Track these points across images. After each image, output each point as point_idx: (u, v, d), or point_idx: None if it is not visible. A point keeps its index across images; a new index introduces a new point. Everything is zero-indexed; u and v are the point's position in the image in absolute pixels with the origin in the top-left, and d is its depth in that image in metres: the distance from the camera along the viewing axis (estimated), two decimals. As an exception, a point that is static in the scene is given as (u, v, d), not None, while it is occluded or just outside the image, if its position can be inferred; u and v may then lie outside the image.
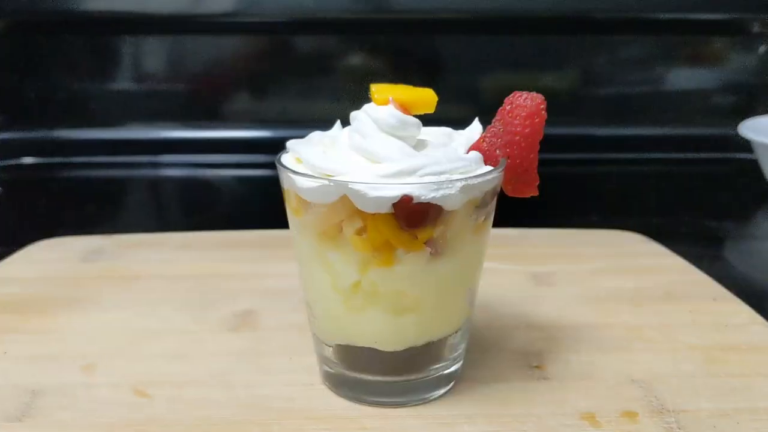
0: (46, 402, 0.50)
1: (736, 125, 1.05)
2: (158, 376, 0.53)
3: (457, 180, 0.44)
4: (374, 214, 0.44)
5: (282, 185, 0.49)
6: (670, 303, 0.66)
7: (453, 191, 0.44)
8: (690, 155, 1.25)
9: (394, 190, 0.43)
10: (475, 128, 0.51)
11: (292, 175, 0.46)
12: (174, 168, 1.25)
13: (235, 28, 1.20)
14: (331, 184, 0.44)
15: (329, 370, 0.51)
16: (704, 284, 0.70)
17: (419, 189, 0.43)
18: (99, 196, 1.16)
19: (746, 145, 1.03)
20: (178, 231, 0.84)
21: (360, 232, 0.44)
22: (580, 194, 1.12)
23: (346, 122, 0.51)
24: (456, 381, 0.52)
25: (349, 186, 0.43)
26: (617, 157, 1.24)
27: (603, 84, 1.25)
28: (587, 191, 1.14)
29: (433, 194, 0.43)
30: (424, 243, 0.45)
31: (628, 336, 0.60)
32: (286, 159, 0.49)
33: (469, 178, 0.45)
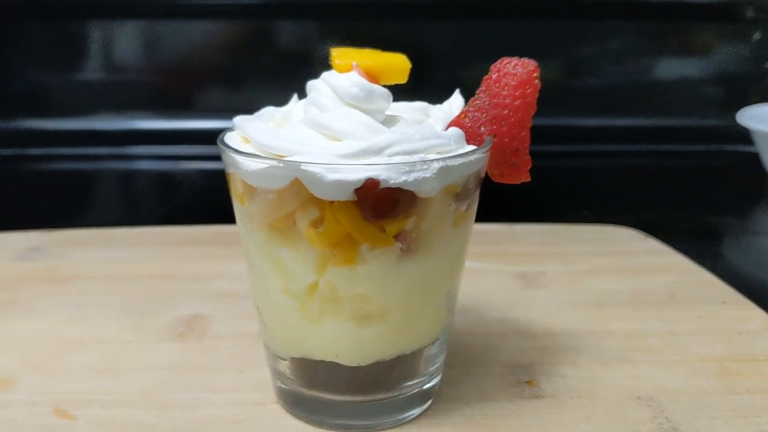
0: (-56, 426, 0.42)
1: (730, 116, 1.00)
2: (84, 394, 0.46)
3: (434, 160, 0.36)
4: (333, 203, 0.36)
5: (225, 169, 0.41)
6: (674, 307, 0.59)
7: (428, 174, 0.36)
8: (684, 147, 1.19)
9: (357, 173, 0.35)
10: (456, 102, 0.43)
11: (234, 156, 0.38)
12: (141, 160, 1.18)
13: (209, 11, 1.13)
14: (281, 165, 0.36)
15: (284, 387, 0.44)
16: (711, 285, 0.63)
17: (387, 171, 0.35)
18: (60, 189, 1.08)
19: (741, 136, 0.97)
20: (125, 225, 0.76)
21: (316, 224, 0.37)
22: (571, 187, 1.05)
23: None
24: (433, 399, 0.45)
25: (302, 167, 0.35)
26: (608, 149, 1.17)
27: (595, 73, 1.19)
28: (578, 184, 1.07)
29: (404, 178, 0.36)
30: (394, 237, 0.37)
31: (630, 346, 0.53)
32: (231, 138, 0.41)
33: (448, 158, 0.37)
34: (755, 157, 0.98)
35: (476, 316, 0.56)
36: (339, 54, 0.40)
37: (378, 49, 0.42)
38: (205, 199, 1.03)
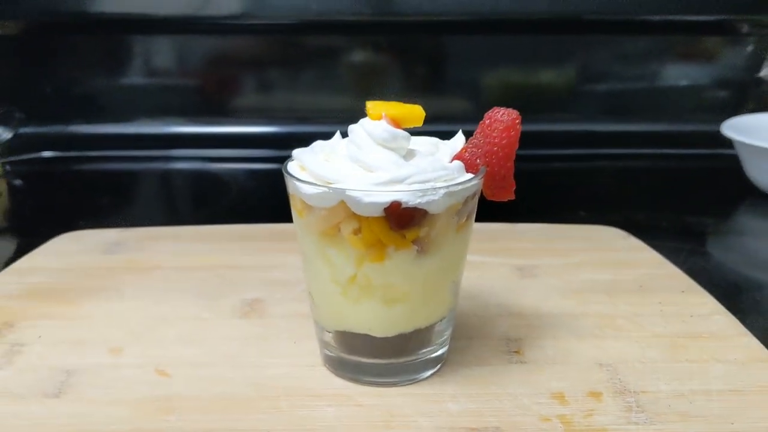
0: (79, 380, 0.57)
1: (724, 122, 1.10)
2: (176, 358, 0.60)
3: (441, 187, 0.50)
4: (368, 217, 0.50)
5: (288, 190, 0.55)
6: (642, 295, 0.71)
7: (437, 197, 0.50)
8: (677, 151, 1.30)
9: (386, 197, 0.49)
10: (459, 139, 0.57)
11: (296, 183, 0.52)
12: (185, 161, 1.31)
13: (242, 29, 1.26)
14: (331, 191, 0.50)
15: (329, 353, 0.58)
16: (675, 277, 0.76)
17: (407, 196, 0.49)
18: (112, 189, 1.21)
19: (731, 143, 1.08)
20: (188, 223, 0.91)
21: (356, 232, 0.51)
22: (568, 189, 1.17)
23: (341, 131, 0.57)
24: (442, 364, 0.59)
25: (347, 193, 0.49)
26: (606, 153, 1.29)
27: (592, 82, 1.30)
28: (575, 186, 1.19)
29: (419, 200, 0.49)
30: (412, 242, 0.51)
31: (601, 324, 0.66)
32: (292, 166, 0.55)
33: (451, 185, 0.51)
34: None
35: (479, 300, 0.70)
36: (372, 106, 0.54)
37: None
38: (247, 198, 1.17)
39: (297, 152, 0.56)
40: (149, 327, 0.65)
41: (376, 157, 0.52)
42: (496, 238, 0.86)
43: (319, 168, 0.52)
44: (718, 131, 1.09)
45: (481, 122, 0.54)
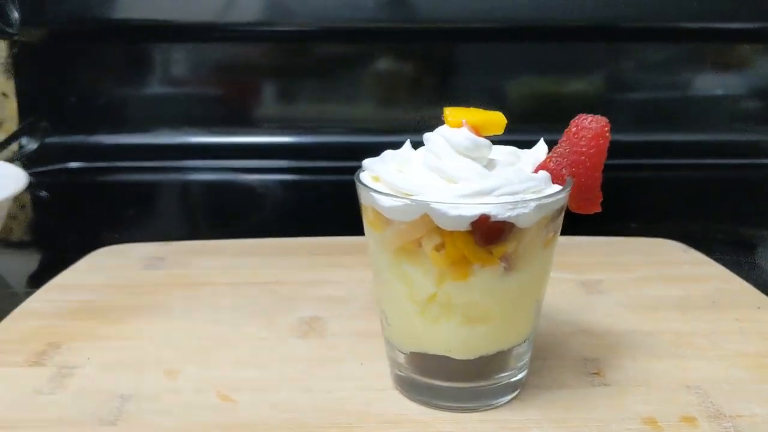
0: (136, 406, 0.53)
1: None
2: (238, 381, 0.57)
3: (532, 200, 0.47)
4: (452, 232, 0.47)
5: (361, 201, 0.52)
6: (716, 311, 0.68)
7: (527, 210, 0.47)
8: (723, 161, 1.27)
9: (473, 210, 0.46)
10: (541, 148, 0.54)
11: (374, 194, 0.49)
12: (211, 172, 1.28)
13: (263, 36, 1.23)
14: (414, 203, 0.47)
15: (402, 375, 0.55)
16: (747, 293, 0.72)
17: (496, 208, 0.46)
18: (139, 200, 1.19)
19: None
20: (222, 236, 0.88)
21: (438, 248, 0.48)
22: (619, 201, 1.14)
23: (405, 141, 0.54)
24: (521, 388, 0.55)
25: (431, 205, 0.46)
26: (652, 163, 1.26)
27: (630, 90, 1.27)
28: (624, 197, 1.16)
29: (509, 213, 0.46)
30: (499, 258, 0.48)
31: (679, 343, 0.62)
32: (364, 177, 0.52)
33: (542, 197, 0.47)
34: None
35: (547, 318, 0.67)
36: (451, 113, 0.51)
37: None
38: (272, 210, 1.14)
39: (368, 162, 0.53)
40: (205, 347, 0.62)
41: (458, 166, 0.48)
42: (557, 252, 0.82)
43: (396, 179, 0.49)
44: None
45: (566, 130, 0.51)
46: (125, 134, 1.29)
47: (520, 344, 0.53)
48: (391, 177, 0.49)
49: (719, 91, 1.27)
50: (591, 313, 0.68)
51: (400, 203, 0.47)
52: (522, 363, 0.54)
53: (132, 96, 1.28)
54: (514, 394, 0.55)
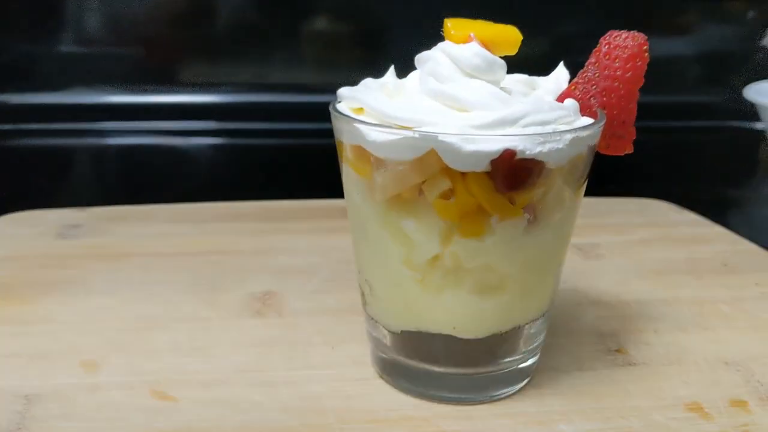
0: (44, 410, 0.41)
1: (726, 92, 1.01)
2: (177, 374, 0.45)
3: (566, 132, 0.36)
4: (465, 174, 0.36)
5: (340, 139, 0.40)
6: (732, 275, 0.60)
7: (561, 146, 0.36)
8: (683, 123, 1.20)
9: (495, 144, 0.35)
10: (561, 75, 0.43)
11: (360, 127, 0.37)
12: (123, 135, 1.13)
13: None
14: (417, 136, 0.35)
15: (390, 359, 0.43)
16: (756, 254, 0.65)
17: (524, 142, 0.35)
18: (53, 165, 1.04)
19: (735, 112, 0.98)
20: (141, 202, 0.74)
21: (447, 195, 0.36)
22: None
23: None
24: (534, 373, 0.45)
25: (440, 139, 0.35)
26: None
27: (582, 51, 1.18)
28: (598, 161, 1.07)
29: (539, 149, 0.35)
30: (523, 209, 0.37)
31: (702, 312, 0.54)
32: (342, 108, 0.40)
33: (578, 129, 0.37)
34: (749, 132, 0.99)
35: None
36: (455, 25, 0.40)
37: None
38: (196, 176, 1.01)
39: (346, 90, 0.41)
40: (133, 332, 0.49)
41: (471, 91, 0.37)
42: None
43: (389, 107, 0.37)
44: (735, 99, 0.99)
45: (594, 50, 0.40)
46: (26, 94, 1.12)
47: (537, 319, 0.43)
48: (381, 105, 0.37)
49: (674, 55, 1.19)
50: (595, 280, 0.58)
51: (399, 136, 0.36)
52: (537, 343, 0.44)
53: (42, 52, 1.11)
54: (526, 380, 0.44)
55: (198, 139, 1.12)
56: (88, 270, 0.59)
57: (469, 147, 0.35)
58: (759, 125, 1.02)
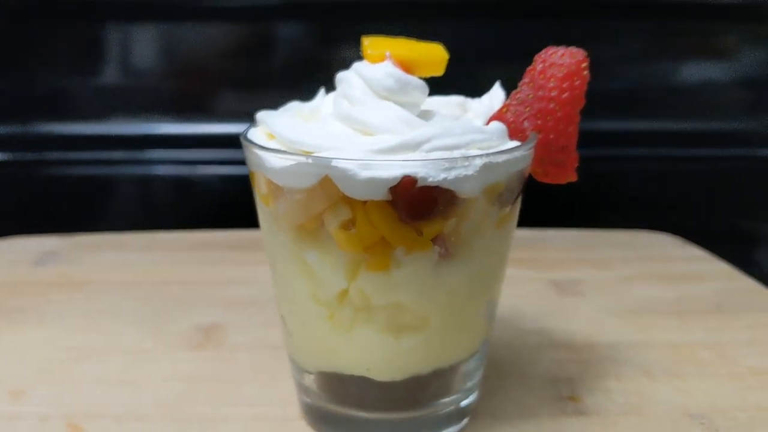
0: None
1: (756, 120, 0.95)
2: (97, 407, 0.43)
3: (475, 157, 0.33)
4: (366, 203, 0.33)
5: (249, 167, 0.38)
6: (722, 317, 0.55)
7: (470, 172, 0.33)
8: (709, 151, 1.14)
9: (393, 170, 0.32)
10: (497, 95, 0.40)
11: (259, 152, 0.35)
12: (158, 165, 1.13)
13: (226, 14, 1.09)
14: (310, 161, 0.33)
15: (310, 402, 0.41)
16: (757, 293, 0.60)
17: (425, 168, 0.32)
18: (78, 194, 1.04)
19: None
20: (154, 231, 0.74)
21: (347, 225, 0.34)
22: (597, 191, 1.00)
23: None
24: (470, 417, 0.41)
25: (333, 164, 0.32)
26: (632, 154, 1.12)
27: (618, 75, 1.14)
28: (604, 188, 1.02)
29: (443, 175, 0.32)
30: (432, 240, 0.34)
31: (678, 358, 0.49)
32: (255, 134, 0.38)
33: (491, 154, 0.34)
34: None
35: (509, 326, 0.53)
36: (371, 43, 0.37)
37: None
38: (222, 204, 1.00)
39: (262, 114, 0.39)
40: (65, 361, 0.48)
41: (377, 113, 0.35)
42: (520, 246, 0.68)
43: (291, 132, 0.35)
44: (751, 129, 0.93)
45: (529, 68, 0.37)
46: (59, 123, 1.14)
47: (466, 360, 0.39)
48: (285, 130, 0.35)
49: (705, 80, 1.14)
50: (566, 320, 0.54)
51: (292, 162, 0.33)
52: (471, 384, 0.41)
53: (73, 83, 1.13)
54: (461, 425, 0.41)
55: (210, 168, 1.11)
56: (46, 299, 0.58)
57: (365, 173, 0.32)
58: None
